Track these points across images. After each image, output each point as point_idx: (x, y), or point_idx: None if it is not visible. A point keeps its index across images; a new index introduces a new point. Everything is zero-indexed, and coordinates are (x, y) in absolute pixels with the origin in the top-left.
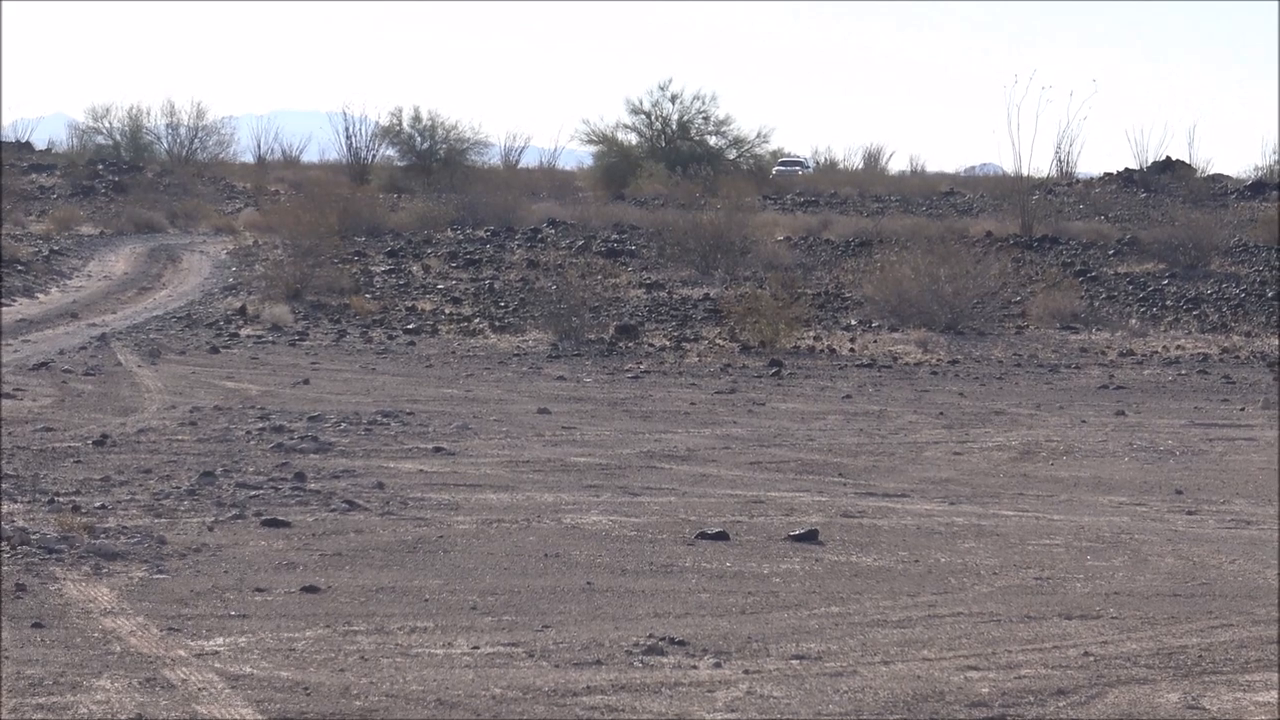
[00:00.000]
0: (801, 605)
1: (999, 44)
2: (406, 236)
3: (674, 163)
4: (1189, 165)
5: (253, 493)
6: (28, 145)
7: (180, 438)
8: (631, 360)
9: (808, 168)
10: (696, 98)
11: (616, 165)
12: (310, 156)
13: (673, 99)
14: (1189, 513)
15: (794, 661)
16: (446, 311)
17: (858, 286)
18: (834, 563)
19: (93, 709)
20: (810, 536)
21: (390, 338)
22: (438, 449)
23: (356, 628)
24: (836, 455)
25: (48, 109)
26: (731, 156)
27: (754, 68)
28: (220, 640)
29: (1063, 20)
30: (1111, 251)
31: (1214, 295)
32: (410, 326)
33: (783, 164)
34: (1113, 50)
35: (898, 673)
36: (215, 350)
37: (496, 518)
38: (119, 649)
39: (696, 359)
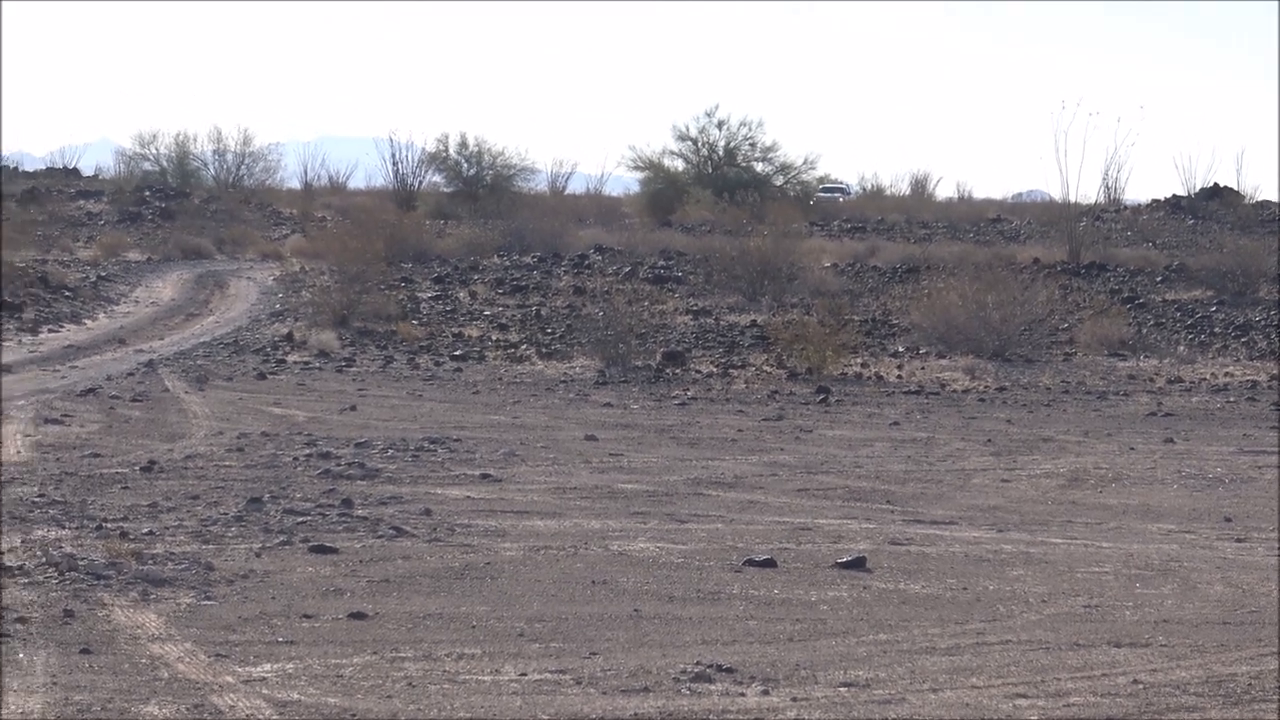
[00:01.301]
0: (849, 633)
1: (1047, 69)
2: (453, 263)
3: (721, 189)
4: (1237, 192)
5: (300, 519)
6: (75, 171)
7: (228, 464)
8: (678, 387)
9: (849, 194)
10: (743, 124)
11: (663, 191)
12: (357, 183)
13: (719, 125)
14: (1238, 540)
15: (842, 689)
16: (493, 338)
17: (905, 313)
18: (882, 590)
19: None
20: (858, 564)
21: (437, 364)
22: (485, 475)
23: (404, 654)
24: (884, 482)
25: (95, 135)
26: (778, 183)
27: (801, 94)
28: (268, 666)
29: (1110, 46)
30: (1159, 278)
31: (1262, 322)
32: (457, 353)
33: (824, 190)
34: (1160, 74)
35: (946, 700)
36: (262, 376)
37: (544, 544)
38: (167, 675)
39: (744, 386)
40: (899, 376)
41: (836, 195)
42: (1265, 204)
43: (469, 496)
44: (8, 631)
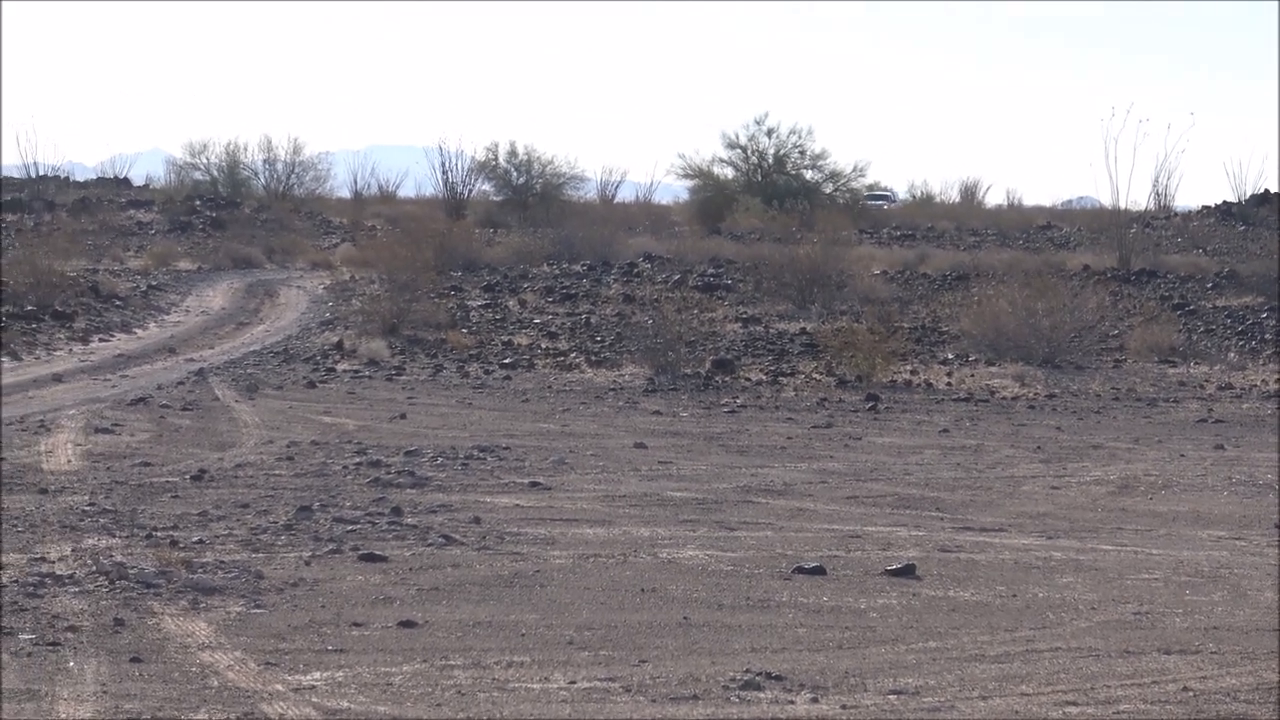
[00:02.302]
0: (899, 640)
1: (1096, 75)
2: (503, 271)
3: (770, 197)
4: None
5: (350, 527)
6: (126, 181)
7: (277, 472)
8: (728, 395)
9: (894, 201)
10: (793, 131)
11: (712, 199)
12: (406, 191)
13: (769, 133)
14: None
15: (891, 697)
16: (543, 346)
17: (954, 320)
18: (931, 597)
19: None
20: (907, 571)
21: (487, 372)
22: (534, 484)
23: (453, 662)
24: (933, 490)
25: (145, 145)
26: (828, 190)
27: (850, 100)
28: (317, 675)
29: (1161, 49)
30: (1210, 285)
31: None
32: (506, 361)
33: (868, 197)
34: (1212, 79)
35: (996, 708)
36: (312, 385)
37: (593, 552)
38: (216, 683)
39: (793, 393)
40: (948, 384)
41: (880, 203)
42: None
43: (518, 504)
44: (58, 640)
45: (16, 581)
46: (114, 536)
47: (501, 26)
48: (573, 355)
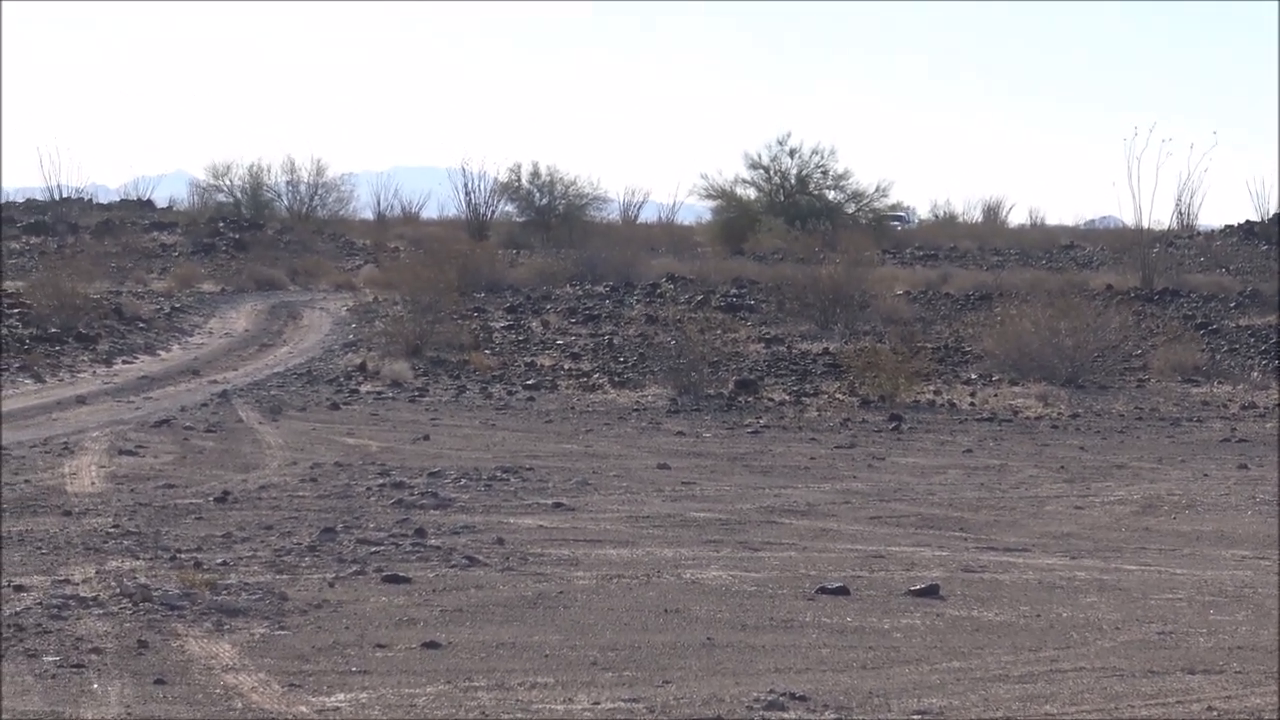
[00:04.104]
0: (923, 660)
1: (1119, 94)
2: (526, 292)
3: (793, 217)
4: None
5: (373, 549)
6: (149, 203)
7: (301, 494)
8: (751, 415)
9: (909, 221)
10: (815, 152)
11: (735, 220)
12: (429, 213)
13: (791, 153)
14: None
15: (916, 717)
16: (566, 367)
17: (978, 340)
18: (955, 618)
19: None
20: (931, 591)
21: (510, 393)
22: (558, 504)
23: (477, 683)
24: (957, 510)
25: (169, 167)
26: (850, 210)
27: (874, 118)
28: (341, 696)
29: (1182, 68)
30: (1233, 304)
31: None
32: (530, 382)
33: (884, 217)
34: (1234, 97)
35: None
36: (336, 407)
37: (616, 573)
38: (240, 705)
39: (816, 414)
40: (971, 404)
41: (895, 224)
42: None
43: (542, 525)
44: (82, 662)
45: (40, 604)
46: (138, 558)
47: (525, 48)
48: (596, 376)
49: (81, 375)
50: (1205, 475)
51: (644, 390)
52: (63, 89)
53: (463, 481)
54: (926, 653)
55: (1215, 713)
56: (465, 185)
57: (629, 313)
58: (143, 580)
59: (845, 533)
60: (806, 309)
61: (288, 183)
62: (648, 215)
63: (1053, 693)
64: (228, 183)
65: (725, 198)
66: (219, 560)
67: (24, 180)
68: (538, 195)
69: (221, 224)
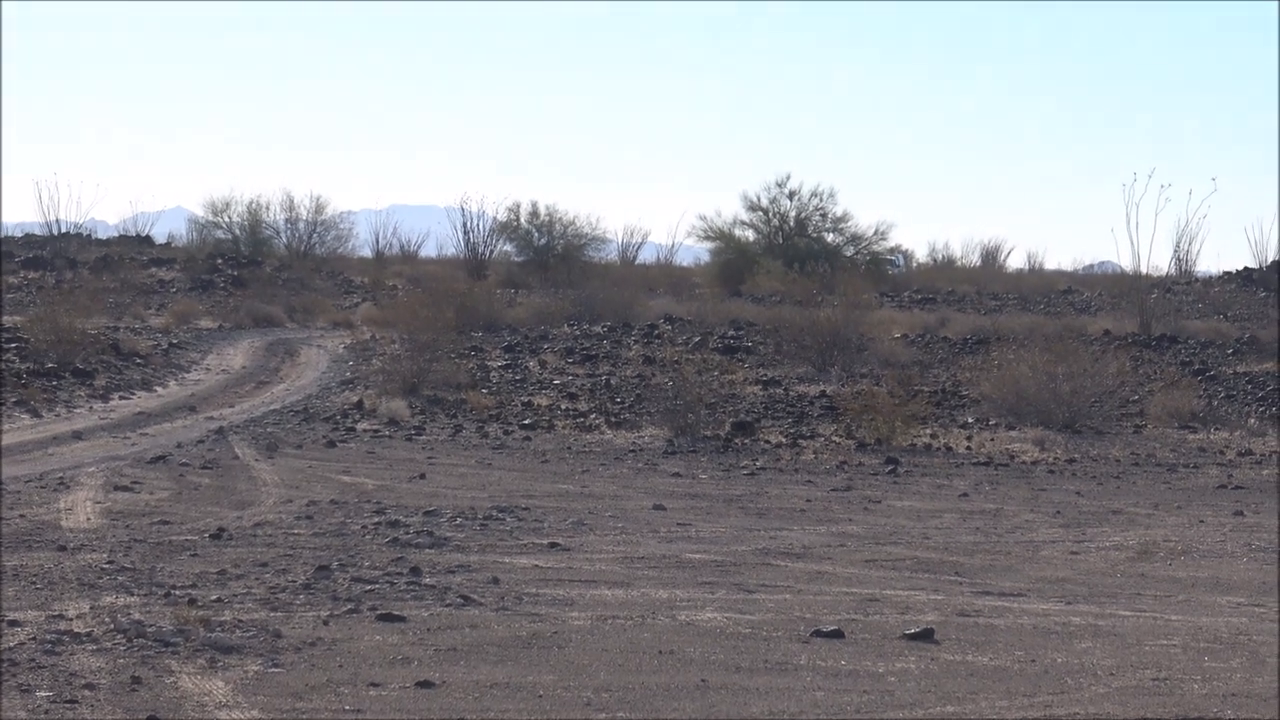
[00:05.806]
0: (917, 704)
1: (1118, 141)
2: (523, 332)
3: (791, 260)
4: None
5: (368, 587)
6: (148, 239)
7: (296, 532)
8: (747, 457)
9: (898, 266)
10: (814, 194)
11: (733, 262)
12: (428, 251)
13: (790, 196)
14: None
15: None
16: (562, 407)
17: (975, 384)
18: (950, 662)
19: None
20: (926, 635)
21: (506, 433)
22: (553, 544)
23: None
24: (953, 554)
25: (168, 203)
26: (849, 253)
27: (873, 160)
28: None
29: (1181, 114)
30: (1230, 351)
31: None
32: (526, 422)
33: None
34: (1231, 144)
35: None
36: (332, 444)
37: (611, 614)
38: None
39: (813, 456)
40: (968, 448)
41: (885, 267)
42: None
43: (537, 565)
44: (76, 698)
45: (35, 639)
46: (132, 594)
47: (524, 88)
48: (592, 416)
49: (78, 410)
50: (1201, 521)
51: (640, 431)
52: (62, 124)
53: (458, 520)
54: (921, 697)
55: None
56: (464, 224)
57: (626, 353)
58: (137, 616)
59: (840, 576)
60: (804, 351)
61: (286, 220)
62: (646, 256)
63: None
64: (226, 220)
65: (724, 239)
66: (213, 597)
67: (22, 215)
68: (536, 235)
69: (220, 261)
